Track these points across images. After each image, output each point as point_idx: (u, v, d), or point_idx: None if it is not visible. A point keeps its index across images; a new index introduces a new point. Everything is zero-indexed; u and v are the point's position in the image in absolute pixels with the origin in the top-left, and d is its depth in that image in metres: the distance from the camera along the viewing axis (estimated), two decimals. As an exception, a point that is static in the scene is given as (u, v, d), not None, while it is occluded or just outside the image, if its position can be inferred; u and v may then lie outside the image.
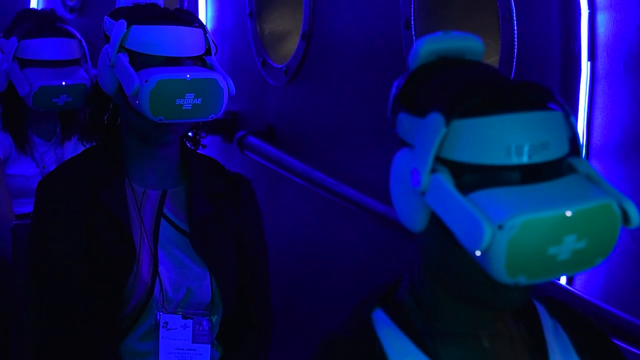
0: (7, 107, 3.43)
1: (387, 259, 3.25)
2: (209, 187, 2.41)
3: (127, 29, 2.30)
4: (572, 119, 1.37)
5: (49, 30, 3.39)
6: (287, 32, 3.95)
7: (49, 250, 2.30)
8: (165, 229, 2.36)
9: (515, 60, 2.66)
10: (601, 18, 2.49)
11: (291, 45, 3.84)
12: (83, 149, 3.43)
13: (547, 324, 1.49)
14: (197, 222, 2.36)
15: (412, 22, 3.05)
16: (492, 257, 1.26)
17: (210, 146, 2.56)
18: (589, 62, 2.52)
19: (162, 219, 2.36)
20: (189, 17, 2.37)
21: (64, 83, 3.32)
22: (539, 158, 1.31)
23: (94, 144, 2.44)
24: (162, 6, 2.42)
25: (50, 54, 3.36)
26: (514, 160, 1.30)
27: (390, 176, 1.40)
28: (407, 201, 1.37)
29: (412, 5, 3.05)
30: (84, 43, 3.45)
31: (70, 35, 3.41)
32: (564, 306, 1.53)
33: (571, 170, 1.35)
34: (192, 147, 2.46)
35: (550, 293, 1.56)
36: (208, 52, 2.37)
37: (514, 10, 2.65)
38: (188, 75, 2.26)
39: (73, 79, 3.34)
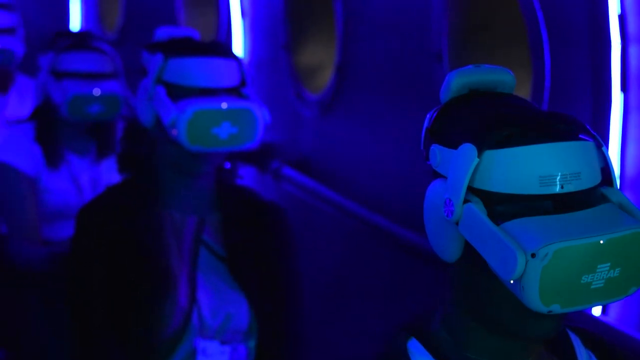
0: (41, 121, 3.49)
1: (420, 289, 3.25)
2: (245, 215, 2.44)
3: (164, 61, 2.34)
4: (604, 149, 1.39)
5: (85, 45, 3.46)
6: (321, 64, 3.98)
7: (85, 280, 2.33)
8: (204, 255, 2.39)
9: (546, 92, 2.67)
10: (633, 50, 2.50)
11: (325, 77, 3.87)
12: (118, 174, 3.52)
13: (582, 355, 1.49)
14: (235, 248, 2.39)
15: (444, 55, 3.07)
16: (526, 286, 1.27)
17: (246, 177, 2.59)
18: (621, 94, 2.52)
19: (200, 245, 2.39)
20: (225, 50, 2.41)
21: (97, 92, 3.38)
22: (571, 187, 1.32)
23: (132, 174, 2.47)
24: (199, 39, 2.45)
25: (85, 65, 3.43)
26: (546, 189, 1.31)
27: (424, 207, 1.42)
28: (441, 231, 1.38)
29: (444, 38, 3.07)
30: (118, 59, 3.52)
31: (104, 52, 3.48)
32: (598, 337, 1.53)
33: (604, 199, 1.36)
34: (229, 179, 2.48)
35: (584, 323, 1.56)
36: (243, 83, 2.40)
37: (546, 42, 2.67)
38: (224, 105, 2.29)
39: (107, 89, 3.40)
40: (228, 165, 2.50)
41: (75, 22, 6.25)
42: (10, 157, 3.43)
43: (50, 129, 3.46)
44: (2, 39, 4.30)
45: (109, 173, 3.52)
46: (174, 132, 2.28)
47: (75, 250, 2.37)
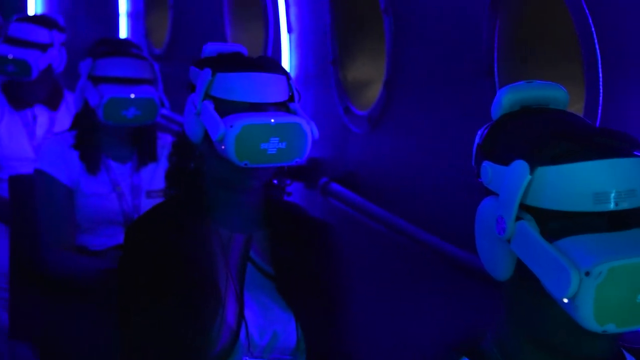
0: (81, 128, 3.52)
1: (470, 307, 3.23)
2: (293, 232, 2.43)
3: (212, 76, 2.34)
4: (660, 166, 1.36)
5: (122, 51, 3.50)
6: (369, 79, 3.97)
7: (134, 296, 2.33)
8: (251, 272, 2.38)
9: (600, 108, 2.64)
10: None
11: (374, 92, 3.86)
12: (159, 181, 3.54)
13: (638, 377, 1.47)
14: (282, 266, 2.39)
15: (495, 70, 3.05)
16: (580, 305, 1.25)
17: (294, 193, 2.58)
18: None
19: (248, 262, 2.39)
20: (273, 65, 2.40)
21: (133, 96, 3.42)
22: (625, 205, 1.30)
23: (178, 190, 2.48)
24: (246, 54, 2.45)
25: (122, 71, 3.48)
26: (601, 207, 1.30)
27: (475, 224, 1.40)
28: (493, 249, 1.37)
29: (495, 53, 3.05)
30: (156, 66, 3.55)
31: (142, 57, 3.52)
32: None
33: None
34: (277, 195, 2.48)
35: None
36: (291, 98, 2.40)
37: (599, 57, 2.64)
38: (272, 120, 2.29)
39: (142, 93, 3.44)
40: (276, 181, 2.49)
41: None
42: (49, 166, 3.48)
43: (91, 136, 3.50)
44: (32, 52, 4.34)
45: (149, 180, 3.56)
46: (222, 147, 2.28)
47: (124, 266, 2.37)
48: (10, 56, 4.29)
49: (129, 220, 3.50)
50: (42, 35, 4.39)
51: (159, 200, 3.53)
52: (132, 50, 3.57)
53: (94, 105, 3.42)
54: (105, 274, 3.25)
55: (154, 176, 3.58)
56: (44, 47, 4.37)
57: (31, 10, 7.44)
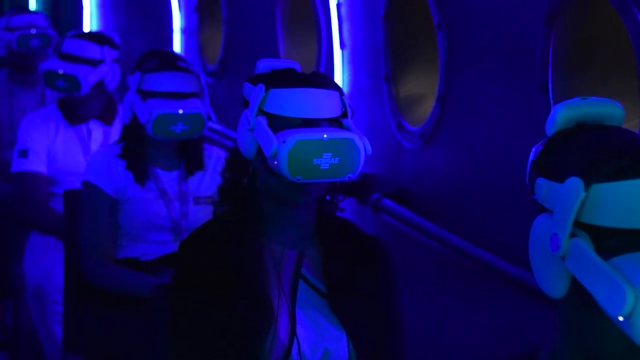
0: (129, 140, 3.56)
1: (524, 325, 3.20)
2: (345, 249, 2.42)
3: (265, 92, 2.34)
4: None
5: (170, 65, 3.53)
6: (422, 95, 3.97)
7: (186, 312, 2.34)
8: (302, 289, 2.38)
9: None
10: None
11: (426, 108, 3.85)
12: (206, 188, 3.56)
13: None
14: (334, 283, 2.38)
15: (550, 86, 3.03)
16: (636, 323, 1.24)
17: (345, 208, 2.58)
18: None
19: (299, 279, 2.39)
20: (326, 80, 2.41)
21: (181, 111, 3.46)
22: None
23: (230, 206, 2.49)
24: (300, 70, 2.46)
25: (169, 86, 3.51)
26: (658, 225, 1.29)
27: (529, 241, 1.40)
28: (547, 266, 1.36)
29: (549, 70, 3.04)
30: (202, 79, 3.58)
31: (189, 71, 3.55)
32: None
33: None
34: (330, 211, 2.48)
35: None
36: (344, 114, 2.40)
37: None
38: (325, 136, 2.29)
39: (190, 108, 3.47)
40: (328, 197, 2.49)
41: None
42: (95, 176, 3.53)
43: (138, 148, 3.54)
44: (83, 68, 4.39)
45: (197, 186, 3.59)
46: (275, 162, 2.28)
47: (177, 281, 2.39)
48: (60, 71, 4.34)
49: (176, 227, 3.54)
50: (93, 51, 4.43)
51: (206, 207, 3.57)
52: (179, 63, 3.61)
53: (143, 121, 3.46)
54: (145, 286, 3.28)
55: (202, 183, 3.61)
56: (94, 63, 4.42)
57: (87, 27, 7.52)
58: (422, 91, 3.97)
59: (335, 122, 2.37)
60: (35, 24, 5.48)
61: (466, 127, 3.58)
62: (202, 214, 3.58)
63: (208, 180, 3.62)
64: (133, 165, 3.53)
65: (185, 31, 6.21)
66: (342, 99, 2.40)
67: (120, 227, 3.53)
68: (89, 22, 7.59)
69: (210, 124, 5.26)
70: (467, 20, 3.56)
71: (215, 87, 5.68)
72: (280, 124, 2.32)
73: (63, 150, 4.45)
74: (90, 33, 4.65)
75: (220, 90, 5.66)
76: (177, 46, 6.26)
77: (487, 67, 3.46)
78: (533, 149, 1.43)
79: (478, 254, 3.31)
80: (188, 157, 3.60)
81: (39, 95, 5.51)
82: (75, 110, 4.49)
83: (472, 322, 3.52)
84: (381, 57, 4.07)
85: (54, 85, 4.36)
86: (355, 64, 4.35)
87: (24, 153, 4.41)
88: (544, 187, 1.38)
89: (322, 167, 2.29)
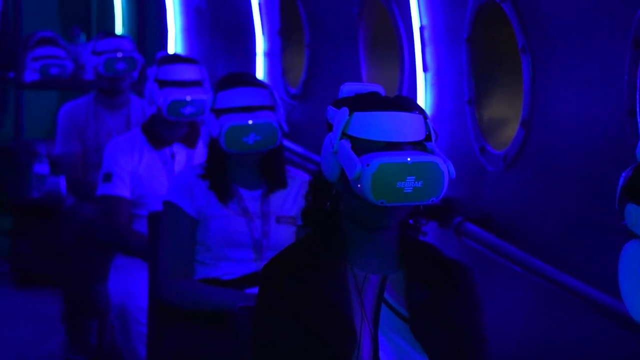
0: (210, 159, 3.59)
1: (611, 354, 3.15)
2: (428, 274, 2.41)
3: (349, 116, 2.35)
4: None
5: (240, 82, 3.58)
6: (506, 118, 3.94)
7: (270, 335, 2.35)
8: (385, 314, 2.37)
9: None
10: None
11: (510, 131, 3.82)
12: (288, 208, 3.57)
13: None
14: (417, 308, 2.37)
15: (637, 111, 2.99)
16: None
17: (428, 232, 2.57)
18: None
19: (382, 304, 2.38)
20: (409, 104, 2.40)
21: (250, 122, 3.50)
22: None
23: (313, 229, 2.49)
24: (383, 94, 2.46)
25: (240, 100, 3.57)
26: None
27: (619, 268, 1.37)
28: (638, 293, 1.33)
29: (637, 94, 2.99)
30: (275, 94, 3.61)
31: (260, 85, 3.59)
32: None
33: None
34: (413, 235, 2.47)
35: None
36: (428, 137, 2.39)
37: None
38: (409, 159, 2.28)
39: (260, 119, 3.51)
40: (411, 220, 2.48)
41: (259, 77, 6.38)
42: (175, 196, 3.57)
43: (220, 166, 3.58)
44: (192, 90, 4.46)
45: (279, 206, 3.60)
46: (359, 185, 2.28)
47: (261, 303, 2.39)
48: (188, 98, 4.41)
49: (257, 245, 3.56)
50: (198, 72, 4.53)
51: (288, 227, 3.59)
52: (250, 79, 3.66)
53: (215, 136, 3.51)
54: (230, 299, 3.30)
55: (284, 203, 3.63)
56: (201, 84, 4.51)
57: (171, 49, 7.61)
58: (506, 114, 3.94)
59: (419, 146, 2.37)
60: (121, 48, 5.56)
61: (551, 150, 3.54)
62: (283, 233, 3.59)
63: (291, 201, 3.64)
64: (216, 184, 3.57)
65: (268, 54, 6.25)
66: (426, 123, 2.39)
67: (203, 243, 3.56)
68: (174, 45, 7.69)
69: (292, 146, 5.31)
70: (552, 43, 3.53)
71: (298, 110, 5.70)
72: (363, 147, 2.32)
73: (147, 174, 4.50)
74: (181, 56, 4.73)
75: (303, 113, 5.68)
76: (260, 69, 6.30)
77: (572, 91, 3.42)
78: (622, 175, 1.41)
79: (563, 279, 3.27)
80: (270, 176, 3.63)
81: (125, 118, 5.58)
82: (159, 133, 4.54)
83: (561, 351, 3.46)
84: (464, 80, 4.05)
85: (179, 114, 4.43)
86: (438, 87, 4.33)
87: (109, 177, 4.47)
88: (634, 213, 1.36)
89: (405, 191, 2.28)
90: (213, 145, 3.61)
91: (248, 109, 3.56)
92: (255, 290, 3.42)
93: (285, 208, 3.64)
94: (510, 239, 3.67)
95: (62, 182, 6.15)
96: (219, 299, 3.43)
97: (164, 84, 4.49)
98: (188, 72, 4.54)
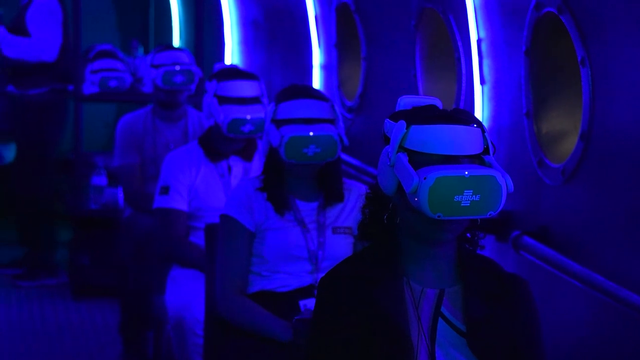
0: (268, 171, 3.59)
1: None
2: (485, 288, 2.39)
3: (406, 129, 2.34)
4: None
5: (302, 94, 3.60)
6: (565, 131, 3.90)
7: (326, 348, 2.34)
8: (442, 328, 2.36)
9: None
10: None
11: (569, 145, 3.79)
12: (344, 219, 3.56)
13: None
14: (475, 322, 2.35)
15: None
16: None
17: (485, 246, 2.55)
18: None
19: (439, 318, 2.36)
20: (467, 117, 2.39)
21: (311, 133, 3.51)
22: None
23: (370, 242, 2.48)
24: (441, 107, 2.44)
25: (301, 112, 3.59)
26: None
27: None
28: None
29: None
30: (336, 107, 3.62)
31: (322, 98, 3.60)
32: None
33: None
34: (470, 248, 2.45)
35: None
36: (486, 151, 2.37)
37: None
38: (466, 172, 2.27)
39: (321, 131, 3.53)
40: (468, 234, 2.47)
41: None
42: (233, 209, 3.59)
43: (278, 178, 3.58)
44: (251, 108, 4.47)
45: (335, 217, 3.60)
46: (415, 199, 2.27)
47: (317, 317, 2.39)
48: (248, 117, 4.44)
49: (313, 257, 3.56)
50: (257, 89, 4.55)
51: (344, 237, 3.59)
52: (312, 92, 3.67)
53: (276, 146, 3.52)
54: (281, 332, 3.31)
55: (340, 215, 3.64)
56: (259, 100, 4.53)
57: (228, 62, 7.65)
58: (565, 128, 3.91)
59: (476, 159, 2.35)
60: (179, 61, 5.59)
61: (610, 163, 3.50)
62: (339, 244, 3.59)
63: (347, 212, 3.65)
64: (273, 196, 3.58)
65: (324, 67, 6.25)
66: (484, 136, 2.37)
67: (259, 255, 3.57)
68: (231, 58, 7.72)
69: (348, 158, 5.30)
70: (611, 54, 3.50)
71: (354, 123, 5.70)
72: (421, 160, 2.31)
73: (204, 186, 4.52)
74: (241, 71, 4.74)
75: (359, 126, 5.67)
76: (316, 82, 6.31)
77: (632, 105, 3.39)
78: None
79: (624, 294, 3.23)
80: (327, 188, 3.64)
81: (182, 130, 5.61)
82: (216, 147, 4.56)
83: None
84: (522, 93, 4.02)
85: (239, 132, 4.45)
86: (495, 100, 4.31)
87: (166, 190, 4.50)
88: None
89: (463, 204, 2.27)
90: (272, 156, 3.62)
91: (309, 121, 3.57)
92: (309, 302, 3.43)
93: (341, 219, 3.64)
94: (569, 253, 3.63)
95: (120, 194, 6.20)
96: (270, 329, 3.43)
97: (223, 100, 4.50)
98: (248, 89, 4.54)
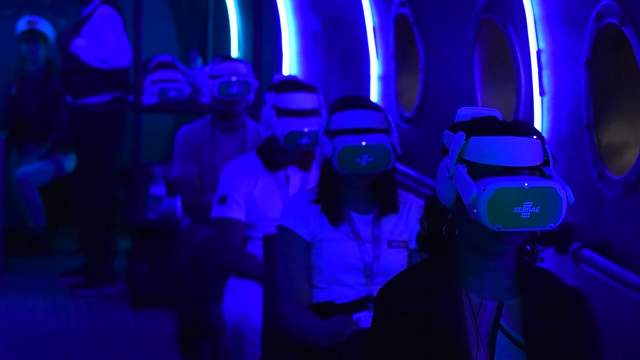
0: (324, 183, 3.59)
1: None
2: (545, 301, 2.37)
3: (465, 140, 2.33)
4: None
5: (355, 104, 3.60)
6: (626, 143, 3.86)
7: (386, 359, 2.34)
8: (501, 341, 2.35)
9: None
10: None
11: (630, 156, 3.75)
12: (400, 233, 3.55)
13: None
14: (534, 335, 2.33)
15: None
16: None
17: (545, 258, 2.53)
18: None
19: (498, 330, 2.35)
20: (527, 128, 2.37)
21: (364, 143, 3.50)
22: None
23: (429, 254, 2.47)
24: (500, 119, 2.43)
25: (354, 122, 3.57)
26: None
27: None
28: None
29: None
30: (390, 118, 3.61)
31: (374, 108, 3.58)
32: None
33: None
34: (530, 261, 2.43)
35: None
36: (546, 162, 2.36)
37: None
38: (526, 184, 2.25)
39: (374, 140, 3.52)
40: (528, 246, 2.45)
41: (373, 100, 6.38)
42: (289, 221, 3.59)
43: (332, 189, 3.58)
44: (309, 121, 4.47)
45: (391, 230, 3.59)
46: (475, 210, 2.26)
47: (375, 329, 2.38)
48: (305, 130, 4.45)
49: (368, 269, 3.55)
50: (315, 101, 4.54)
51: (399, 251, 3.57)
52: (365, 102, 3.66)
53: (329, 156, 3.52)
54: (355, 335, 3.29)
55: (396, 227, 3.62)
56: (318, 112, 4.53)
57: (286, 72, 7.66)
58: (626, 139, 3.87)
59: (536, 171, 2.34)
60: (236, 72, 5.61)
61: (673, 176, 3.46)
62: (394, 257, 3.58)
63: (402, 225, 3.62)
64: (327, 207, 3.58)
65: (382, 78, 6.25)
66: (544, 147, 2.36)
67: (315, 266, 3.56)
68: (289, 68, 7.74)
69: (406, 170, 5.28)
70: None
71: (411, 134, 5.68)
72: (480, 172, 2.30)
73: (262, 197, 4.52)
74: (300, 82, 4.74)
75: (417, 137, 5.66)
76: (374, 92, 6.30)
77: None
78: None
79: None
80: (382, 200, 3.62)
81: (240, 141, 5.63)
82: (274, 157, 4.57)
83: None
84: (583, 105, 3.99)
85: (296, 144, 4.46)
86: (555, 111, 4.27)
87: (224, 200, 4.51)
88: None
89: (522, 216, 2.26)
90: (326, 167, 3.62)
91: (362, 131, 3.57)
92: (364, 314, 3.42)
93: (396, 232, 3.62)
94: (630, 266, 3.59)
95: (178, 204, 6.23)
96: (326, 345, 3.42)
97: (282, 112, 4.50)
98: (306, 101, 4.54)
